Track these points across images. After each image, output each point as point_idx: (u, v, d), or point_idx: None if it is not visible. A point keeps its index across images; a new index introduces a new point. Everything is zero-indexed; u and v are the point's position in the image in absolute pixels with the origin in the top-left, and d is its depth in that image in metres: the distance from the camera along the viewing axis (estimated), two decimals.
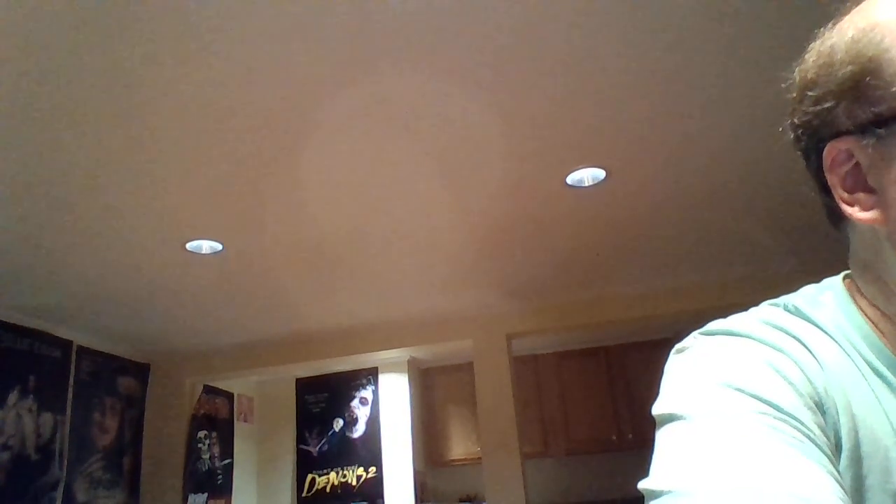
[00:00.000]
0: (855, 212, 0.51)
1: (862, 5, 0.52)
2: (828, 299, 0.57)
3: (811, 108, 0.53)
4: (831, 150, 0.52)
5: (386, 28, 1.74)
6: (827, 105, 0.51)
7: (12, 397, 3.48)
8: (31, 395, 3.60)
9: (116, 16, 1.62)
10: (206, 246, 2.99)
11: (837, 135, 0.51)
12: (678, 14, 1.77)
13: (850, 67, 0.50)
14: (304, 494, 5.28)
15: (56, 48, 1.70)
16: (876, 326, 0.53)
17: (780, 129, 0.58)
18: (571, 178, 2.63)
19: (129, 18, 1.63)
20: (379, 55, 1.84)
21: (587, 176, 2.63)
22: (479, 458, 4.43)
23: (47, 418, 3.69)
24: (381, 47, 1.81)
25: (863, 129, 0.49)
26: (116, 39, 1.70)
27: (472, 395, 4.54)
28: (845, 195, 0.52)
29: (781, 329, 0.54)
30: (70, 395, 3.89)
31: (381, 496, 5.06)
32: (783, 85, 0.57)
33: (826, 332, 0.54)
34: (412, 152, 2.37)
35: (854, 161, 0.51)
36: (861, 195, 0.51)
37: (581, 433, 5.32)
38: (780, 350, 0.52)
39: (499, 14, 1.72)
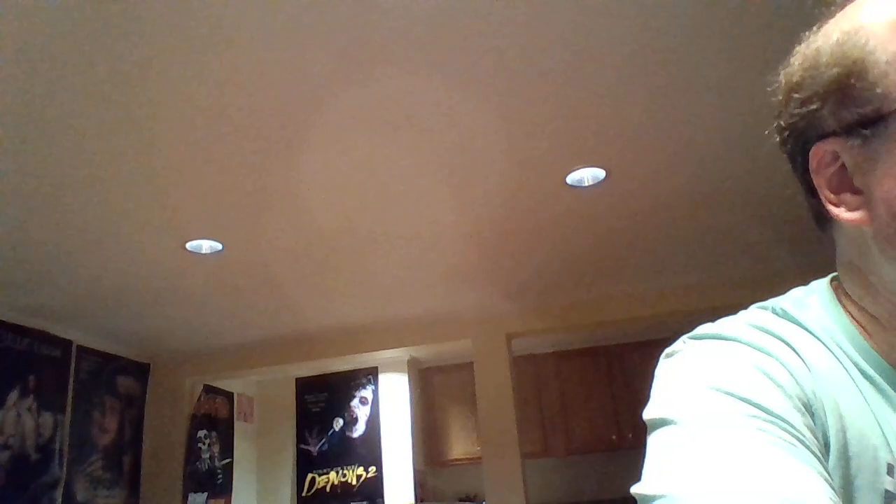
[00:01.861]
0: (841, 213, 0.52)
1: (846, 9, 0.52)
2: (814, 301, 0.58)
3: (797, 110, 0.53)
4: (817, 152, 0.52)
5: (386, 28, 1.74)
6: (812, 107, 0.52)
7: (12, 397, 3.48)
8: (31, 395, 3.60)
9: (117, 17, 1.62)
10: (206, 246, 2.99)
11: (823, 136, 0.52)
12: (678, 14, 1.77)
13: (835, 69, 0.50)
14: (303, 494, 5.29)
15: (57, 50, 1.70)
16: (863, 328, 0.54)
17: (767, 132, 0.59)
18: (571, 178, 2.63)
19: (129, 20, 1.63)
20: (379, 55, 1.84)
21: (587, 176, 2.63)
22: (479, 458, 4.43)
23: (47, 418, 3.70)
24: (382, 48, 1.81)
25: (848, 131, 0.50)
26: (117, 41, 1.70)
27: (472, 395, 4.54)
28: (831, 196, 0.52)
29: (769, 332, 0.54)
30: (70, 395, 3.89)
31: (381, 496, 5.06)
32: (769, 88, 0.57)
33: (813, 335, 0.54)
34: (412, 152, 2.37)
35: (840, 162, 0.51)
36: (847, 196, 0.51)
37: (581, 433, 5.32)
38: (768, 353, 0.52)
39: (499, 15, 1.73)
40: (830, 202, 0.52)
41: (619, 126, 2.29)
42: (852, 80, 0.49)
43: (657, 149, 2.46)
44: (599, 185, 2.69)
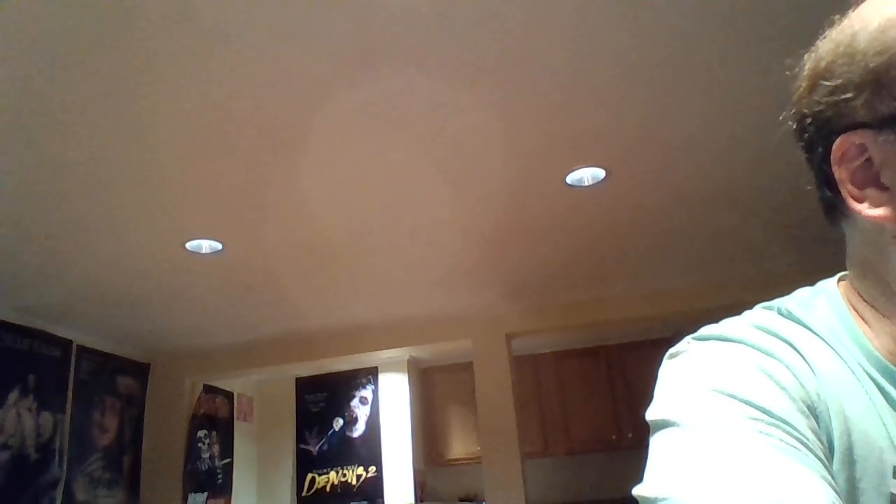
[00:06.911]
0: (864, 208, 0.49)
1: None
2: (821, 302, 0.56)
3: (825, 98, 0.50)
4: (843, 144, 0.49)
5: (386, 28, 1.74)
6: (845, 96, 0.49)
7: (12, 397, 3.48)
8: (31, 395, 3.60)
9: (117, 17, 1.62)
10: (206, 245, 2.99)
11: (851, 127, 0.49)
12: (678, 14, 1.77)
13: (874, 59, 0.47)
14: (303, 494, 5.29)
15: (57, 50, 1.70)
16: (871, 329, 0.53)
17: (781, 117, 0.56)
18: (571, 178, 2.63)
19: (130, 20, 1.63)
20: (379, 55, 1.84)
21: (587, 175, 2.63)
22: (479, 458, 4.43)
23: (47, 418, 3.70)
24: (381, 47, 1.81)
25: (881, 124, 0.47)
26: (117, 40, 1.70)
27: (472, 395, 4.54)
28: (854, 191, 0.50)
29: (774, 334, 0.53)
30: (70, 395, 3.89)
31: (381, 496, 5.06)
32: (788, 73, 0.54)
33: (819, 336, 0.54)
34: (412, 152, 2.37)
35: (866, 156, 0.49)
36: (871, 191, 0.49)
37: (581, 433, 5.32)
38: (772, 355, 0.51)
39: (499, 15, 1.72)
40: (853, 197, 0.50)
41: (619, 126, 2.29)
42: (893, 72, 0.46)
43: (657, 148, 2.46)
44: (599, 184, 2.68)
